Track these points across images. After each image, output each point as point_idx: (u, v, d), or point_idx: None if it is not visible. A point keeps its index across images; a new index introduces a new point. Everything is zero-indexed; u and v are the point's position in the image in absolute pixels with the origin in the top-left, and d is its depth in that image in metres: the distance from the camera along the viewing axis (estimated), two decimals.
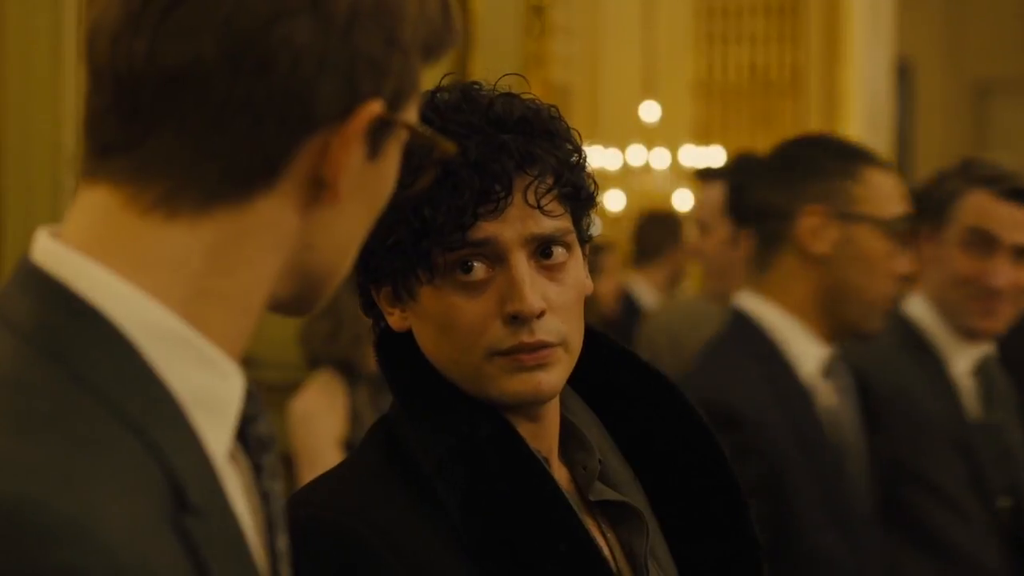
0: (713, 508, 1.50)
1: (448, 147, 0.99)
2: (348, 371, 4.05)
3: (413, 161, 0.99)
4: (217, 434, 0.90)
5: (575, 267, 1.40)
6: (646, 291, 6.09)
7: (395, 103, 0.93)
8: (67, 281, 0.88)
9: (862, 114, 9.14)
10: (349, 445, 3.84)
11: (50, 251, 0.89)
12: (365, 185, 0.94)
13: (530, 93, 1.42)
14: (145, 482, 0.83)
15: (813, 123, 9.28)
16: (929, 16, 12.56)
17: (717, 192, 3.43)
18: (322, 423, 3.94)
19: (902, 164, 11.41)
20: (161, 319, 0.88)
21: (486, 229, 1.35)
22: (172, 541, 0.82)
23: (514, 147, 1.35)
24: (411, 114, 0.96)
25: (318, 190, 0.91)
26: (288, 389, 4.10)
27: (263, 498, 0.96)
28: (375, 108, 0.91)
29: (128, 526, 0.79)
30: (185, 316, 0.89)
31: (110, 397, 0.84)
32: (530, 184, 1.36)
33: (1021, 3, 12.58)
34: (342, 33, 0.90)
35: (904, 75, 11.73)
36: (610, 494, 1.46)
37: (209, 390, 0.90)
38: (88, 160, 0.92)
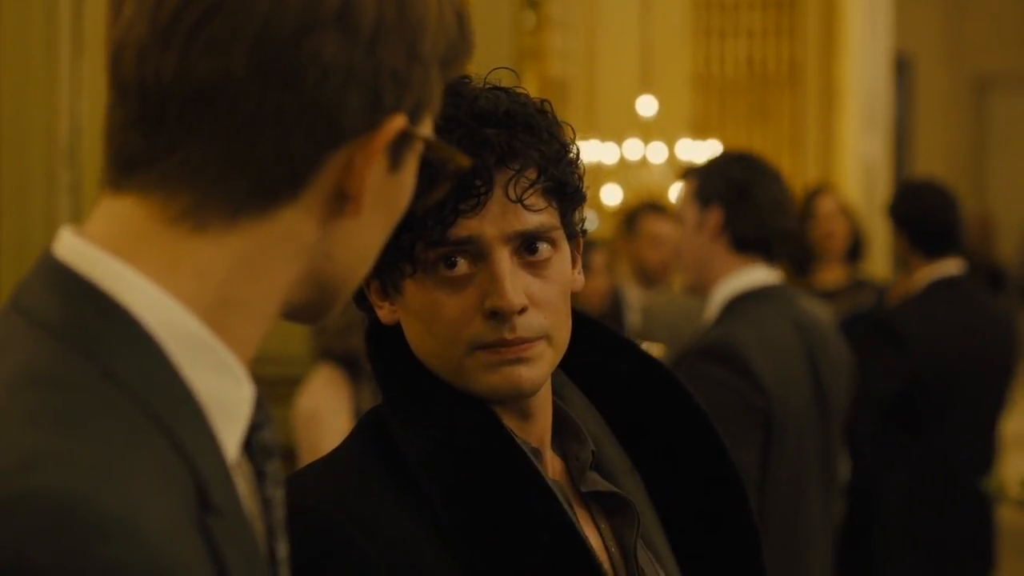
0: (712, 498, 1.50)
1: (463, 160, 1.00)
2: (351, 367, 4.03)
3: (428, 172, 1.00)
4: (229, 439, 0.91)
5: (560, 262, 1.39)
6: (631, 288, 6.06)
7: (415, 116, 0.95)
8: (95, 280, 0.88)
9: (860, 108, 9.12)
10: None
11: (78, 249, 0.90)
12: (384, 196, 0.96)
13: (522, 88, 1.41)
14: (174, 481, 0.83)
15: (811, 117, 9.27)
16: (928, 10, 12.56)
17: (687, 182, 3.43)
18: (329, 423, 3.93)
19: (901, 159, 11.41)
20: (186, 323, 0.88)
21: (468, 227, 1.34)
22: (198, 540, 0.83)
23: (496, 142, 1.34)
24: (427, 127, 0.97)
25: (341, 202, 0.92)
26: (291, 383, 4.09)
27: (264, 504, 0.97)
28: (399, 123, 0.92)
29: (165, 524, 0.80)
30: (207, 322, 0.90)
31: (140, 395, 0.85)
32: (512, 179, 1.35)
33: None
34: (367, 47, 0.90)
35: (903, 69, 11.72)
36: (602, 485, 1.45)
37: (225, 395, 0.91)
38: (111, 171, 0.92)
